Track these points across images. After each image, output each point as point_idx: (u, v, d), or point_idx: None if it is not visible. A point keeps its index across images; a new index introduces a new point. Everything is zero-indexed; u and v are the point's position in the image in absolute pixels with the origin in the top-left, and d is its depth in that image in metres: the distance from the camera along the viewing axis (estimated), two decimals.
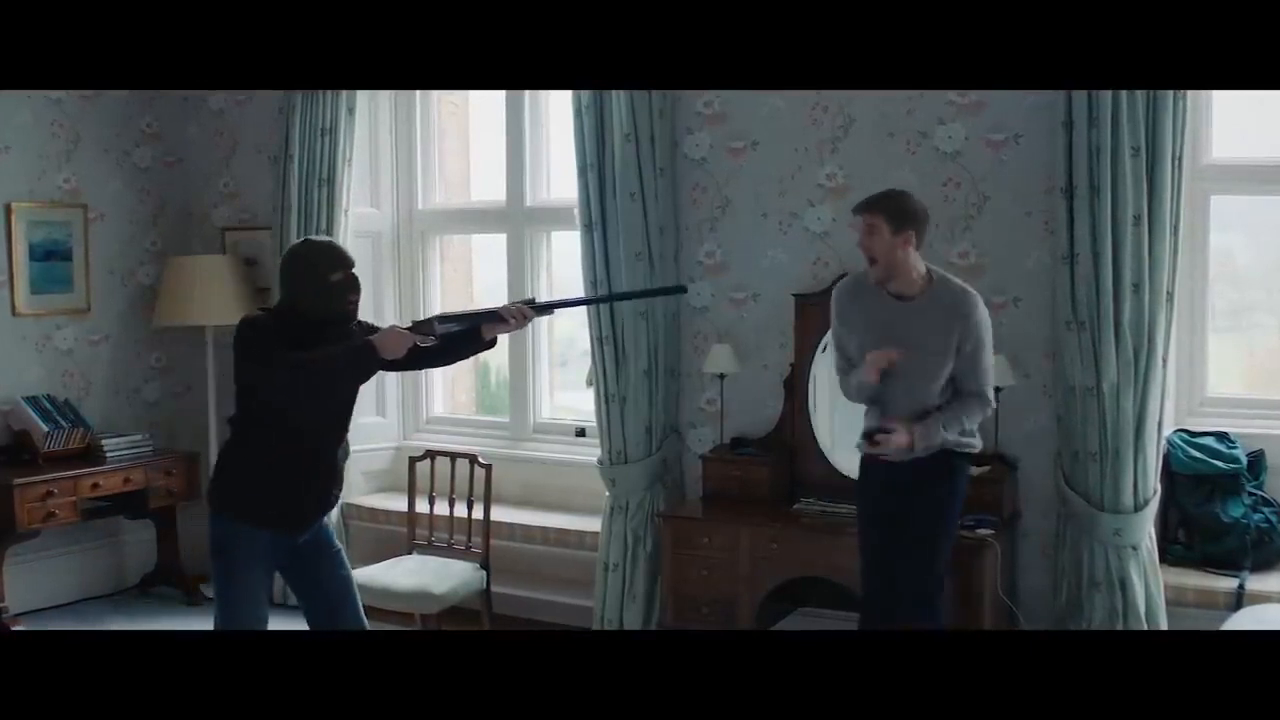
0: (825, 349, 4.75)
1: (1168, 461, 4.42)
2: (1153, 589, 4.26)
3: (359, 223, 5.82)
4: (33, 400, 5.68)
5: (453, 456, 5.12)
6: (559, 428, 5.79)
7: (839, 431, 4.78)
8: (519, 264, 5.74)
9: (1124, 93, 4.09)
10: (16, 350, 5.76)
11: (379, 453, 6.03)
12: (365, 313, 3.71)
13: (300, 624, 3.72)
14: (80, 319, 6.02)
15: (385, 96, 5.94)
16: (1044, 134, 4.38)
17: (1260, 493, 4.40)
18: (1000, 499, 4.39)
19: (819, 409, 4.84)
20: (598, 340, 5.05)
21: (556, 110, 5.62)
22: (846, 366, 3.91)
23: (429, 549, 5.13)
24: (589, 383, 5.22)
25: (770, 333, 5.00)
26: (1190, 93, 4.15)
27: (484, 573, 4.97)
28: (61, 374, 5.93)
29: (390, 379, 5.91)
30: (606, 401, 5.08)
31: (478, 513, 5.02)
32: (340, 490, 3.73)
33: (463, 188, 6.45)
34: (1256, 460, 4.44)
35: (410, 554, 5.13)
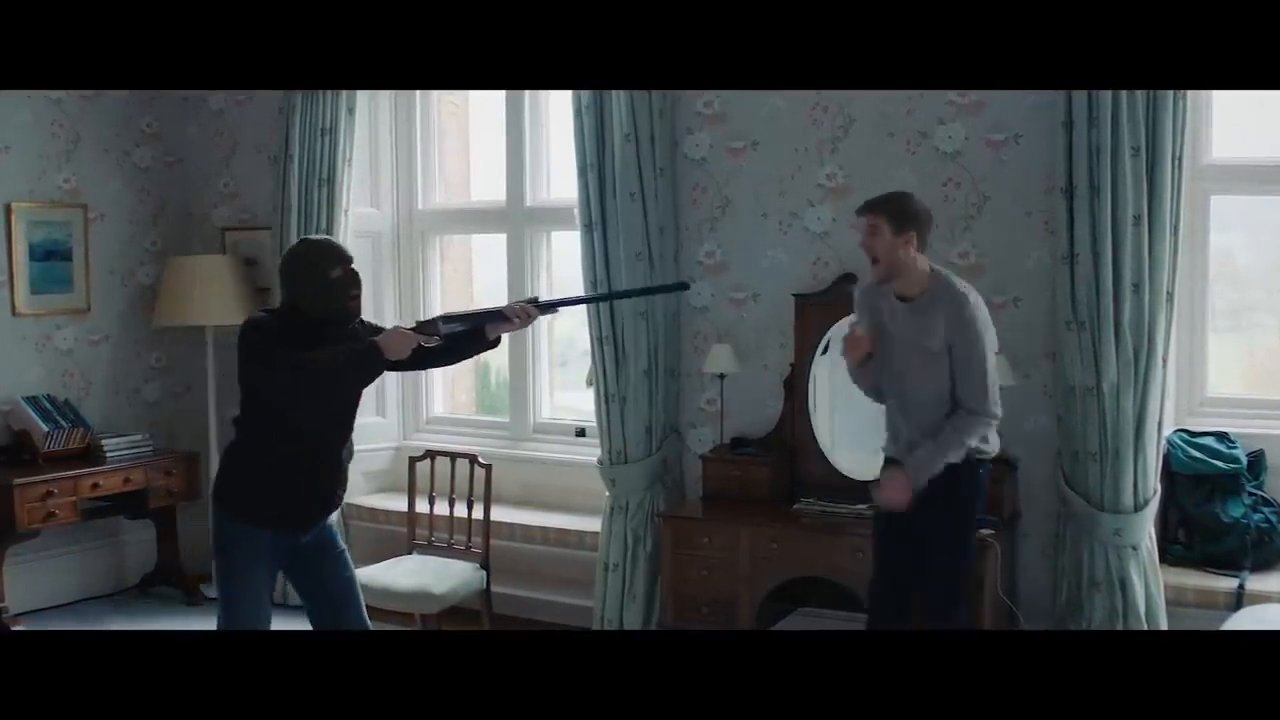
0: (825, 349, 4.76)
1: (1168, 461, 4.42)
2: (1153, 589, 4.25)
3: (359, 223, 5.81)
4: (33, 400, 5.68)
5: (453, 456, 5.12)
6: (559, 428, 5.79)
7: (839, 431, 4.79)
8: (519, 264, 5.74)
9: (1124, 93, 4.09)
10: (16, 350, 5.76)
11: (379, 453, 6.02)
12: (365, 313, 3.71)
13: (302, 624, 3.72)
14: (80, 319, 6.01)
15: (385, 96, 5.94)
16: (1044, 134, 4.38)
17: (1260, 493, 4.40)
18: (1000, 499, 4.38)
19: (819, 409, 4.84)
20: (598, 340, 5.05)
21: (556, 110, 5.62)
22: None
23: (429, 549, 5.12)
24: (589, 383, 5.22)
25: (770, 333, 5.00)
26: (1190, 93, 4.15)
27: (484, 573, 4.97)
28: (61, 374, 5.93)
29: (390, 379, 5.90)
30: (606, 401, 5.08)
31: (478, 513, 5.02)
32: (344, 490, 3.72)
33: (463, 188, 6.45)
34: (1256, 460, 4.44)
35: (410, 554, 5.13)
